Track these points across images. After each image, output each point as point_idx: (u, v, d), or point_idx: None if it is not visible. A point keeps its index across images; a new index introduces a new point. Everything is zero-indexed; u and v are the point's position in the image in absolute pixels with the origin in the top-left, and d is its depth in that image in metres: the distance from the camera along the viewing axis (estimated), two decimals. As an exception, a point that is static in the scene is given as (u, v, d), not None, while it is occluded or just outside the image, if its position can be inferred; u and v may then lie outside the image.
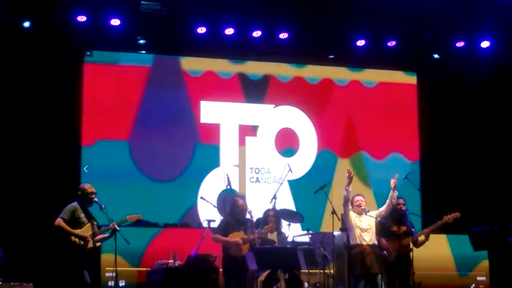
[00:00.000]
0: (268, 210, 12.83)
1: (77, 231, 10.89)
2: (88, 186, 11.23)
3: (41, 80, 14.83)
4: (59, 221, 10.91)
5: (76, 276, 10.84)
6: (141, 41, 15.55)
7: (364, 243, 11.67)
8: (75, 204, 11.07)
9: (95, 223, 11.10)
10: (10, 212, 14.11)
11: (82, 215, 11.00)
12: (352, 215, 11.76)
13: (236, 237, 11.92)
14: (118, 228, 10.98)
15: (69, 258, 10.82)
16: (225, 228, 12.08)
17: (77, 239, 10.88)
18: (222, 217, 12.56)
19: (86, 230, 10.96)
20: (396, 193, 11.79)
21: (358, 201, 11.87)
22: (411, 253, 12.13)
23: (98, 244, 11.14)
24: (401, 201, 12.24)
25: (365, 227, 11.73)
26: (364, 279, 11.56)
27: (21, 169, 14.49)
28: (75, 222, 10.94)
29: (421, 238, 12.17)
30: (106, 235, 11.15)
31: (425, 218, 13.58)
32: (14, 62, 14.67)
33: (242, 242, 11.85)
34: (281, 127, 16.35)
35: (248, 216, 12.19)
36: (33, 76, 14.79)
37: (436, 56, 16.69)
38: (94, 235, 10.99)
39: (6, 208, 14.12)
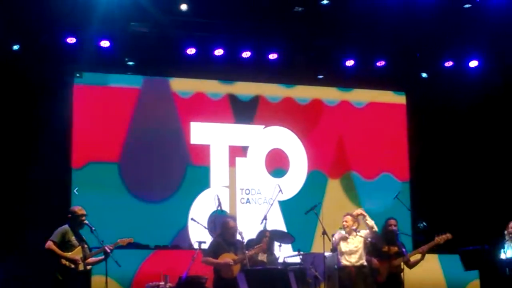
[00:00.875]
0: (263, 231, 12.82)
1: (67, 254, 10.86)
2: (78, 209, 11.21)
3: (31, 102, 14.79)
4: (49, 244, 10.89)
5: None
6: (130, 63, 15.55)
7: (350, 264, 11.71)
8: (65, 226, 11.05)
9: (86, 246, 11.06)
10: (1, 234, 14.06)
11: (73, 237, 10.98)
12: (337, 238, 11.84)
13: (226, 258, 11.87)
14: (109, 252, 10.92)
15: (60, 282, 10.76)
16: (215, 250, 12.04)
17: (67, 262, 10.84)
18: (212, 239, 12.49)
19: (76, 253, 10.93)
20: (370, 222, 11.83)
21: (344, 221, 11.95)
22: (402, 274, 12.12)
23: (89, 267, 11.10)
24: (392, 221, 12.27)
25: (352, 249, 11.78)
26: None
27: (12, 191, 14.43)
28: (65, 245, 10.92)
29: (416, 257, 12.16)
30: (99, 258, 11.10)
31: (416, 238, 13.53)
32: (3, 84, 14.63)
33: (233, 263, 11.82)
34: (271, 147, 16.36)
35: (238, 237, 12.17)
36: (22, 98, 14.75)
37: (424, 75, 16.73)
38: (85, 258, 10.95)
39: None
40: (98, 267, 11.38)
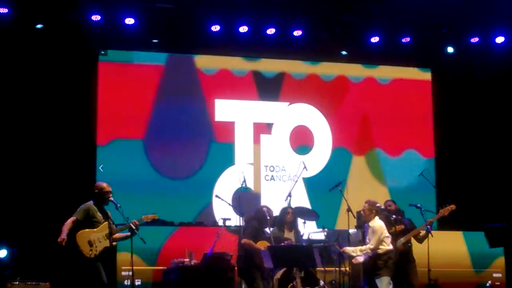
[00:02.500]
0: (286, 207, 12.82)
1: (94, 230, 10.84)
2: (106, 185, 11.12)
3: (56, 80, 14.87)
4: (69, 220, 10.82)
5: (92, 276, 10.81)
6: (154, 40, 15.57)
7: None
8: (89, 203, 10.97)
9: (111, 222, 11.04)
10: (26, 212, 14.17)
11: (98, 214, 10.88)
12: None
13: (263, 245, 11.85)
14: (135, 228, 10.91)
15: (83, 259, 10.77)
16: (254, 234, 12.04)
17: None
18: (247, 222, 12.42)
19: (100, 230, 10.89)
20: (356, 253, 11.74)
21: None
22: (410, 250, 12.12)
23: (114, 243, 11.11)
24: (388, 203, 12.30)
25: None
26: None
27: (38, 169, 14.55)
28: (89, 221, 10.85)
29: (422, 233, 12.11)
30: (124, 234, 11.09)
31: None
32: (29, 62, 14.72)
33: None
34: (296, 124, 16.34)
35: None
36: (48, 76, 14.84)
37: (450, 49, 16.59)
38: (110, 234, 10.95)
39: (22, 208, 14.18)
40: (124, 244, 11.41)
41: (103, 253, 10.86)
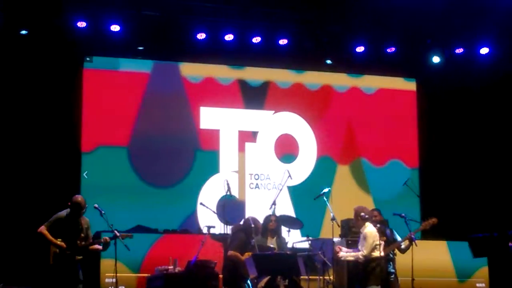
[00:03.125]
0: (269, 215, 12.81)
1: (57, 241, 10.79)
2: (80, 200, 10.88)
3: (41, 86, 14.83)
4: (40, 228, 10.82)
5: (65, 281, 10.79)
6: (140, 47, 15.55)
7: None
8: (62, 213, 10.93)
9: (84, 232, 10.95)
10: (10, 217, 14.10)
11: (67, 225, 10.87)
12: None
13: None
14: (106, 246, 10.91)
15: (50, 266, 10.75)
16: (242, 247, 12.00)
17: (57, 249, 10.80)
18: (234, 232, 12.38)
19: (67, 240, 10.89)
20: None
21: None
22: (392, 261, 12.12)
23: (79, 257, 10.99)
24: (375, 213, 12.28)
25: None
26: None
27: (22, 175, 14.48)
28: (59, 231, 10.83)
29: (405, 244, 12.13)
30: (99, 247, 11.07)
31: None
32: (14, 68, 14.67)
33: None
34: (281, 133, 16.35)
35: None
36: (33, 82, 14.80)
37: (436, 59, 16.62)
38: (83, 241, 10.89)
39: (6, 213, 14.10)
40: (108, 250, 11.33)
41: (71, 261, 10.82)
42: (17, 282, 12.26)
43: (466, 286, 14.99)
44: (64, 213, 10.96)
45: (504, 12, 15.11)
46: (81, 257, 10.96)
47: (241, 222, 12.65)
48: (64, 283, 10.77)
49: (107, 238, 10.96)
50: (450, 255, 14.99)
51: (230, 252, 12.00)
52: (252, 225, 12.03)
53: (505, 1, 14.66)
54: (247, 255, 11.86)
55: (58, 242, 10.78)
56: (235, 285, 11.95)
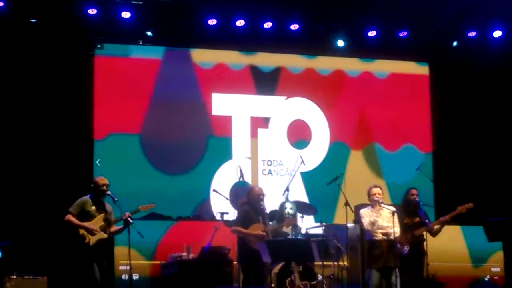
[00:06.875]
0: (285, 202, 12.76)
1: (85, 224, 10.86)
2: (99, 179, 11.20)
3: (52, 74, 14.83)
4: (67, 216, 10.92)
5: (85, 270, 10.80)
6: (151, 34, 15.49)
7: (381, 238, 11.54)
8: (85, 197, 11.07)
9: (107, 216, 11.03)
10: (23, 207, 14.13)
11: (93, 207, 10.97)
12: (368, 212, 11.66)
13: (257, 229, 11.66)
14: (131, 221, 10.90)
15: (78, 252, 10.79)
16: (244, 219, 11.81)
17: (85, 232, 10.84)
18: (239, 207, 12.29)
19: (95, 223, 10.93)
20: None
21: (377, 193, 11.74)
22: (424, 243, 12.06)
23: (105, 235, 11.02)
24: (414, 191, 12.15)
25: (383, 223, 11.55)
26: (381, 273, 11.49)
27: (34, 163, 14.51)
28: (85, 215, 10.93)
29: (436, 227, 12.09)
30: (119, 227, 11.10)
31: (439, 211, 13.45)
32: (25, 56, 14.67)
33: (266, 235, 11.63)
34: (293, 119, 16.29)
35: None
36: (44, 70, 14.79)
37: (454, 44, 16.54)
38: (106, 226, 10.95)
39: (20, 203, 14.13)
40: (121, 238, 11.38)
41: (98, 245, 10.85)
42: (30, 271, 12.25)
43: (481, 270, 14.99)
44: (86, 197, 11.04)
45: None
46: (106, 235, 11.01)
47: None
48: (88, 265, 10.80)
49: (126, 213, 10.94)
50: (465, 240, 14.97)
51: (232, 228, 11.88)
52: (250, 194, 11.95)
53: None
54: (254, 227, 11.71)
55: (87, 225, 10.80)
56: (245, 259, 11.83)
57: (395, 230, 11.42)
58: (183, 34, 15.61)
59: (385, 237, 11.43)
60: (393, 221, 11.40)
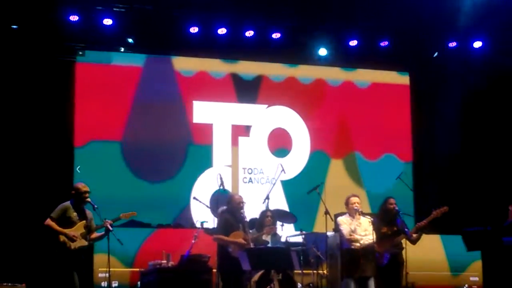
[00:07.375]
0: (265, 210, 12.76)
1: (65, 230, 10.82)
2: (81, 185, 11.15)
3: (33, 80, 14.79)
4: (47, 220, 10.85)
5: (64, 276, 10.76)
6: (132, 41, 15.48)
7: (358, 246, 11.53)
8: (67, 203, 11.01)
9: (88, 223, 11.01)
10: (2, 213, 14.05)
11: (74, 214, 10.91)
12: (347, 220, 11.64)
13: (237, 237, 11.61)
14: (111, 228, 10.88)
15: (58, 258, 10.75)
16: (225, 227, 11.76)
17: (65, 239, 10.81)
18: (219, 215, 12.23)
19: (76, 229, 10.89)
20: None
21: (356, 203, 11.72)
22: (403, 252, 12.07)
23: (86, 243, 10.99)
24: (392, 200, 12.11)
25: (361, 232, 11.54)
26: (357, 282, 11.48)
27: (14, 170, 14.45)
28: (66, 221, 10.86)
29: (415, 234, 12.09)
30: (100, 234, 11.08)
31: (419, 220, 13.46)
32: (6, 62, 14.63)
33: (247, 243, 11.63)
34: (274, 127, 16.32)
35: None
36: (25, 76, 14.75)
37: (435, 54, 16.62)
38: (86, 233, 10.92)
39: (-1, 209, 14.10)
40: (100, 245, 11.36)
41: (78, 252, 10.82)
42: (8, 278, 12.19)
43: (460, 280, 15.03)
44: (67, 203, 10.99)
45: (497, 6, 15.08)
46: (87, 243, 10.97)
47: None
48: (68, 272, 10.77)
49: (108, 221, 10.91)
50: (444, 249, 15.01)
51: (213, 236, 11.84)
52: (230, 202, 11.91)
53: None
54: (235, 234, 11.67)
55: (68, 232, 10.77)
56: (225, 267, 11.80)
57: (374, 238, 11.43)
58: (164, 42, 15.62)
59: (361, 246, 11.43)
60: (372, 230, 11.42)
